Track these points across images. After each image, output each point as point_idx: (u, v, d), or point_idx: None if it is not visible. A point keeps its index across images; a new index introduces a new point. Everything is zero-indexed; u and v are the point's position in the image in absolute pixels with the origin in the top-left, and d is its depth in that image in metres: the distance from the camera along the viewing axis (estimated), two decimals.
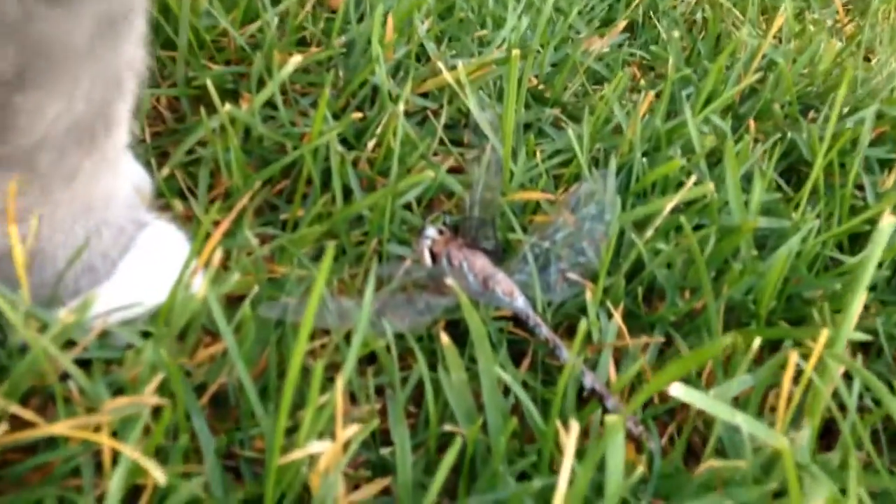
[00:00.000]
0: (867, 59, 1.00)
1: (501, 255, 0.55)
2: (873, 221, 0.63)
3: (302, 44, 0.73)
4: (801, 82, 0.80)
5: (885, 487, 0.42)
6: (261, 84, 0.65)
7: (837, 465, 0.46)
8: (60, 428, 0.36)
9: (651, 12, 0.94)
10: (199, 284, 0.45)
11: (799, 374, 0.47)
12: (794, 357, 0.43)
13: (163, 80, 0.67)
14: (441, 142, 0.68)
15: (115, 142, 0.44)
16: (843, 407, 0.50)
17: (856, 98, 0.78)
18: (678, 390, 0.41)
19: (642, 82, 0.84)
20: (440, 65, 0.68)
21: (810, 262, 0.61)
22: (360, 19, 0.75)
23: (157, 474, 0.34)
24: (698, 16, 0.97)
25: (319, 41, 0.72)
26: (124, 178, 0.48)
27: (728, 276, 0.57)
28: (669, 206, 0.57)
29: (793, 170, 0.71)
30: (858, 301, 0.46)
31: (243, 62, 0.69)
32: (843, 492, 0.44)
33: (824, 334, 0.43)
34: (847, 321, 0.46)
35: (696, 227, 0.63)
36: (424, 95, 0.72)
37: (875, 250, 0.46)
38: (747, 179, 0.69)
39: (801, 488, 0.38)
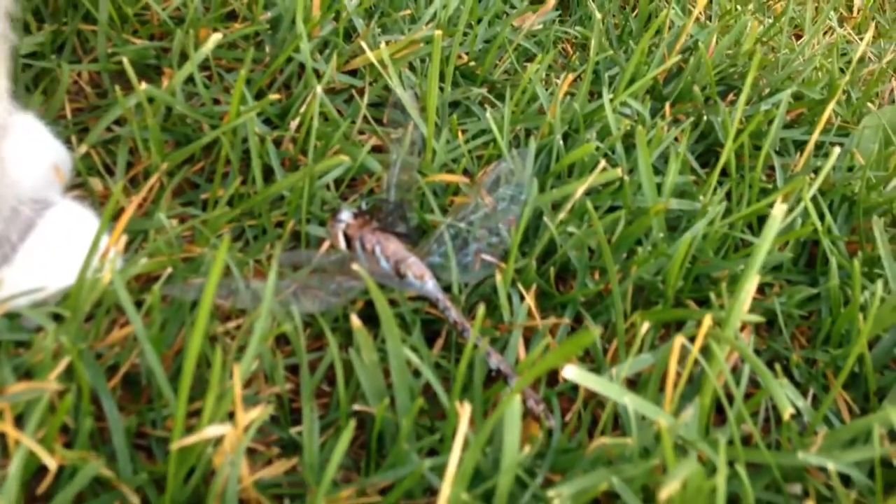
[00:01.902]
0: (798, 37, 1.02)
1: (417, 237, 0.57)
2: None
3: (229, 18, 0.73)
4: (724, 63, 0.82)
5: (764, 461, 0.45)
6: (183, 60, 0.65)
7: (727, 441, 0.48)
8: None
9: None
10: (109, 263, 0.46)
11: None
12: (679, 340, 0.45)
13: (84, 55, 0.66)
14: (366, 120, 0.68)
15: None
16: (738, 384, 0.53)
17: (777, 79, 0.80)
18: (570, 372, 0.43)
19: (575, 60, 0.86)
20: (363, 44, 0.68)
21: (718, 243, 0.63)
22: None
23: (47, 459, 0.35)
24: None
25: (245, 17, 0.72)
26: (13, 158, 0.48)
27: (638, 256, 0.59)
28: (581, 189, 0.58)
29: (710, 152, 0.73)
30: (750, 285, 0.48)
31: (167, 37, 0.68)
32: (731, 464, 0.47)
33: (707, 320, 0.46)
34: (738, 304, 0.48)
35: (612, 209, 0.64)
36: (352, 73, 0.73)
37: (767, 237, 0.48)
38: (665, 161, 0.71)
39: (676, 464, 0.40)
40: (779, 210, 0.48)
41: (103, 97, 0.65)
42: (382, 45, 0.68)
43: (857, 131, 0.74)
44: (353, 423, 0.40)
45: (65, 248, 0.47)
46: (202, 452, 0.41)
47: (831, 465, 0.43)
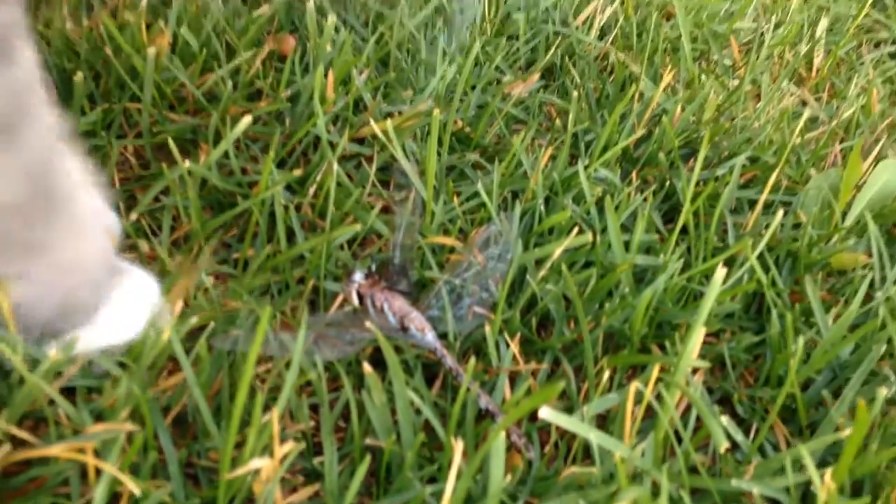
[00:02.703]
0: (759, 97, 1.11)
1: (417, 292, 0.65)
2: (731, 260, 0.74)
3: (254, 97, 0.82)
4: (688, 129, 0.91)
5: (707, 487, 0.54)
6: (217, 136, 0.74)
7: (678, 470, 0.57)
8: (55, 450, 0.45)
9: (568, 56, 1.04)
10: (166, 321, 0.55)
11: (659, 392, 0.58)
12: (634, 385, 0.54)
13: (129, 130, 0.75)
14: (374, 184, 0.77)
15: (72, 213, 0.52)
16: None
17: (735, 143, 0.89)
18: (545, 413, 0.52)
19: (557, 123, 0.95)
20: (371, 119, 0.77)
21: (678, 294, 0.72)
22: (306, 70, 0.84)
23: (133, 487, 0.43)
24: (611, 59, 1.07)
25: (268, 94, 0.81)
26: (94, 238, 0.56)
27: (607, 308, 0.68)
28: (559, 250, 0.67)
29: (675, 210, 0.82)
30: (697, 337, 0.57)
31: (201, 112, 0.77)
32: (695, 492, 0.56)
33: (656, 369, 0.54)
34: (686, 353, 0.57)
35: (587, 264, 0.73)
36: (360, 141, 0.82)
37: (709, 296, 0.57)
38: (634, 219, 0.79)
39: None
40: (719, 274, 0.57)
41: (146, 168, 0.74)
42: (388, 120, 0.77)
43: (802, 192, 0.84)
44: (368, 458, 0.49)
45: (137, 311, 0.56)
46: (244, 481, 0.49)
47: (756, 490, 0.51)
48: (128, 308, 0.56)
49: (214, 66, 0.79)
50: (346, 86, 0.82)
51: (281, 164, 0.76)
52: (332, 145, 0.77)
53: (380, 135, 0.77)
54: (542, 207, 0.74)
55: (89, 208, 0.55)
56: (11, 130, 0.46)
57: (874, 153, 0.94)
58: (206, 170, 0.68)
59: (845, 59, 1.25)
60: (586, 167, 0.78)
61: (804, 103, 1.09)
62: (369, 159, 0.79)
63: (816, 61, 1.20)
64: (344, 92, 0.82)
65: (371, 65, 0.88)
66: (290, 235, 0.70)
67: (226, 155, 0.73)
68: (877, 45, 1.34)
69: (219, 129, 0.74)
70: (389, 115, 0.82)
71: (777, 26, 1.21)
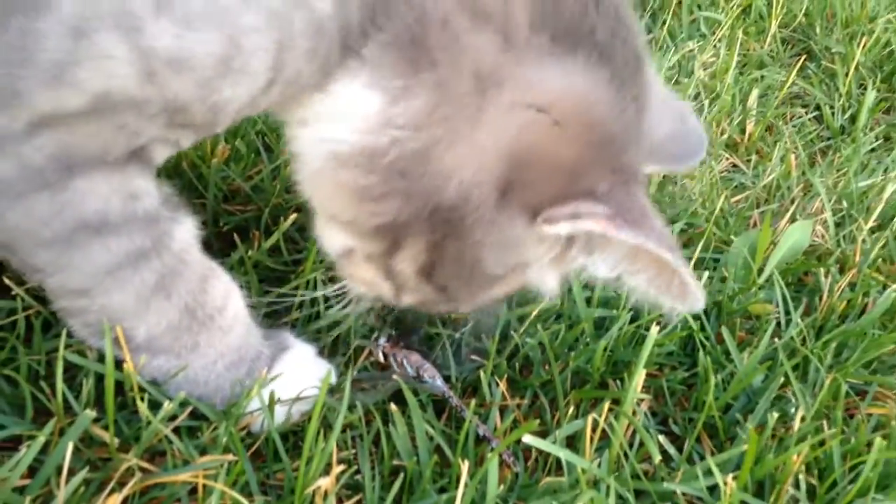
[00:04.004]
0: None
1: (426, 344, 0.83)
2: None
3: (291, 188, 0.99)
4: None
5: (646, 489, 0.71)
6: (267, 223, 0.91)
7: (626, 477, 0.74)
8: (182, 476, 0.62)
9: None
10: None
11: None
12: (591, 417, 0.71)
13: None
14: None
15: (222, 319, 0.67)
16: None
17: (673, 213, 1.07)
18: (527, 438, 0.69)
19: None
20: None
21: (630, 338, 0.89)
22: None
23: (242, 499, 0.60)
24: None
25: None
26: (249, 329, 0.69)
27: (575, 353, 0.85)
28: (536, 310, 0.85)
29: None
30: (638, 377, 0.74)
31: (251, 203, 0.94)
32: (639, 493, 0.72)
33: (606, 403, 0.71)
34: (631, 388, 0.74)
35: (557, 318, 0.90)
36: None
37: (646, 348, 0.74)
38: None
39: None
40: (653, 331, 0.75)
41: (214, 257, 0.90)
42: None
43: (727, 251, 1.01)
44: (400, 475, 0.66)
45: (298, 382, 0.70)
46: (309, 495, 0.66)
47: (680, 490, 0.68)
48: (288, 382, 0.70)
49: (260, 164, 0.96)
50: None
51: None
52: None
53: None
54: None
55: (235, 310, 0.69)
56: (168, 286, 0.62)
57: (789, 213, 1.12)
58: (260, 255, 0.85)
59: (774, 123, 1.44)
60: None
61: (735, 166, 1.27)
62: None
63: (749, 127, 1.38)
64: None
65: None
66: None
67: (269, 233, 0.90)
68: (803, 108, 1.53)
69: (268, 223, 0.90)
70: None
71: (715, 99, 1.40)
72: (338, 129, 0.59)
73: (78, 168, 0.55)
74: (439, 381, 0.77)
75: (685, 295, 0.59)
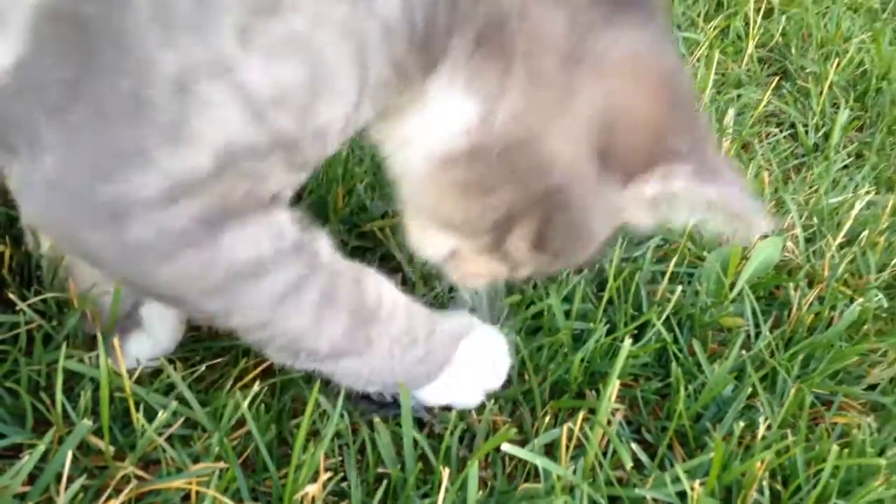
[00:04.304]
0: None
1: None
2: (646, 322, 0.95)
3: None
4: None
5: (619, 494, 0.74)
6: None
7: (600, 483, 0.77)
8: (177, 483, 0.65)
9: None
10: None
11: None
12: (567, 426, 0.74)
13: None
14: None
15: (382, 310, 0.69)
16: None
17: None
18: (506, 447, 0.72)
19: None
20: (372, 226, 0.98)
21: (606, 350, 0.92)
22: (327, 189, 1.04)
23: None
24: None
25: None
26: (411, 312, 0.72)
27: (554, 364, 0.88)
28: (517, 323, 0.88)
29: (607, 283, 1.03)
30: (612, 389, 0.77)
31: None
32: (613, 499, 0.75)
33: (582, 413, 0.75)
34: (604, 398, 0.77)
35: (537, 330, 0.93)
36: (362, 235, 1.02)
37: (619, 360, 0.77)
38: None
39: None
40: (626, 343, 0.78)
41: None
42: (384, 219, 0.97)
43: (701, 266, 1.05)
44: (384, 482, 0.69)
45: (477, 375, 0.77)
46: (297, 501, 0.69)
47: (650, 496, 0.72)
48: (468, 372, 0.75)
49: None
50: (351, 195, 1.02)
51: None
52: (345, 242, 0.97)
53: (378, 232, 0.97)
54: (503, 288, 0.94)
55: (392, 298, 0.71)
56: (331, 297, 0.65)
57: None
58: None
59: (750, 141, 1.48)
60: None
61: None
62: (371, 251, 0.99)
63: (725, 145, 1.42)
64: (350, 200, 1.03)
65: (369, 174, 1.08)
66: None
67: None
68: (778, 126, 1.57)
69: None
70: (386, 214, 1.03)
71: None
72: (443, 138, 0.63)
73: (221, 225, 0.57)
74: (415, 404, 0.79)
75: (752, 227, 0.64)
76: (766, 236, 1.07)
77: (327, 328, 0.66)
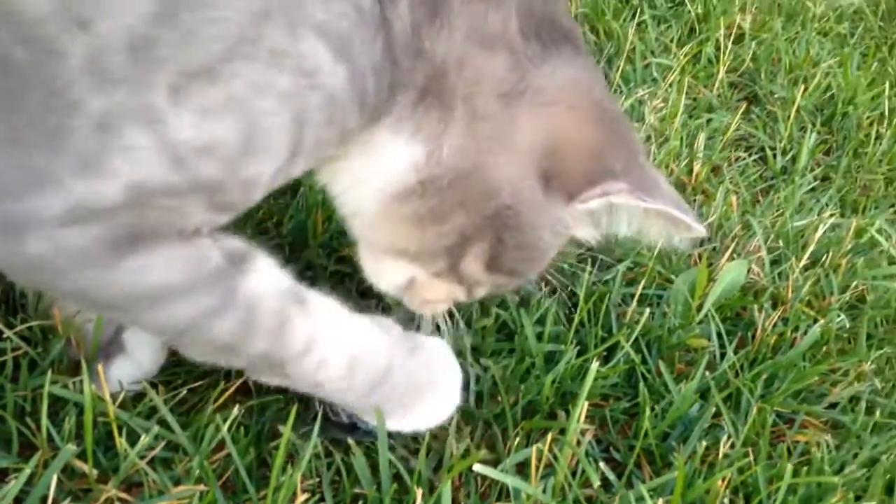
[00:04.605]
0: None
1: None
2: (615, 344, 0.98)
3: (262, 232, 1.05)
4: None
5: None
6: None
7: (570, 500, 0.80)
8: None
9: None
10: None
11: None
12: (536, 447, 0.77)
13: None
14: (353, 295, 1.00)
15: (307, 361, 0.68)
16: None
17: (621, 252, 1.14)
18: (477, 467, 0.75)
19: None
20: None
21: (576, 372, 0.95)
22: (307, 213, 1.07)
23: None
24: None
25: (270, 229, 1.04)
26: (354, 363, 0.70)
27: (525, 385, 0.91)
28: (490, 347, 0.91)
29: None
30: (580, 410, 0.80)
31: None
32: None
33: (551, 434, 0.77)
34: (573, 419, 0.80)
35: (510, 352, 0.96)
36: (341, 259, 1.04)
37: (587, 383, 0.80)
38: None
39: None
40: (593, 366, 0.81)
41: None
42: None
43: (670, 288, 1.08)
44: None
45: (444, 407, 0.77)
46: None
47: None
48: (435, 404, 0.77)
49: None
50: (330, 220, 1.05)
51: None
52: (324, 267, 1.00)
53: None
54: (477, 311, 0.97)
55: (324, 352, 0.69)
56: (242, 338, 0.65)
57: (729, 251, 1.20)
58: None
59: (720, 164, 1.52)
60: None
61: None
62: (350, 275, 1.02)
63: (696, 168, 1.46)
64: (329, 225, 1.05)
65: None
66: None
67: None
68: (747, 150, 1.61)
69: None
70: None
71: (664, 143, 1.48)
72: (392, 177, 0.67)
73: (128, 248, 0.57)
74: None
75: (690, 232, 0.70)
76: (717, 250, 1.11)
77: (236, 360, 0.67)
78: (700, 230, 0.69)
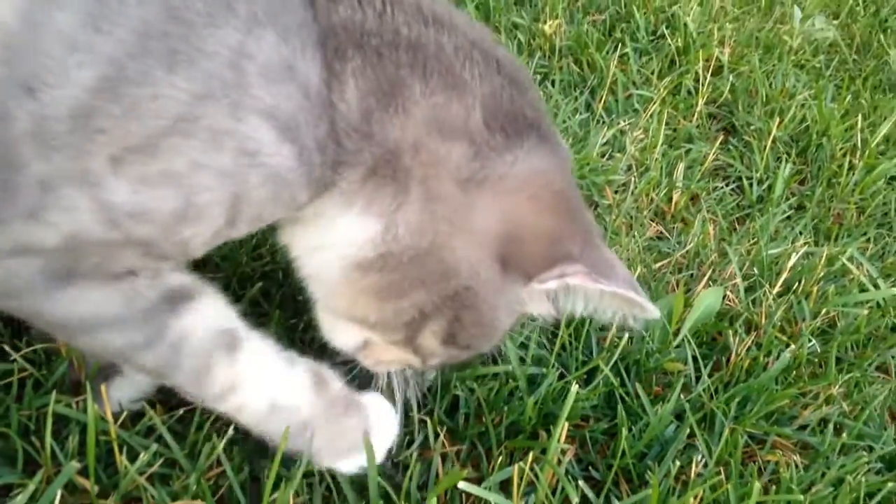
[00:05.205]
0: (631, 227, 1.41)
1: None
2: (595, 369, 1.02)
3: (258, 257, 1.08)
4: None
5: None
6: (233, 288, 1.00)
7: None
8: None
9: None
10: None
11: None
12: (517, 466, 0.81)
13: None
14: None
15: (225, 404, 0.72)
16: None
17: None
18: (462, 485, 0.78)
19: None
20: None
21: (558, 394, 0.99)
22: None
23: None
24: None
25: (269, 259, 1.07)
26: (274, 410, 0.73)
27: (508, 407, 0.94)
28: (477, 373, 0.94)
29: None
30: (561, 430, 0.84)
31: (220, 271, 1.03)
32: None
33: (531, 453, 0.81)
34: (553, 440, 0.84)
35: (495, 376, 1.00)
36: None
37: (566, 407, 0.84)
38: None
39: None
40: (573, 388, 0.85)
41: None
42: None
43: None
44: None
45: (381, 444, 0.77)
46: None
47: None
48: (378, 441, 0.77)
49: None
50: None
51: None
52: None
53: None
54: None
55: (244, 397, 0.72)
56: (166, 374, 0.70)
57: (706, 278, 1.24)
58: None
59: (698, 193, 1.57)
60: None
61: (659, 237, 1.39)
62: None
63: (675, 197, 1.51)
64: None
65: None
66: None
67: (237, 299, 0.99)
68: (724, 180, 1.67)
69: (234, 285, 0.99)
70: None
71: (644, 172, 1.53)
72: (350, 248, 0.70)
73: (66, 281, 0.63)
74: None
75: (644, 312, 0.72)
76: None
77: (167, 382, 0.72)
78: (654, 312, 0.72)
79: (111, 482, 0.75)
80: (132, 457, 0.75)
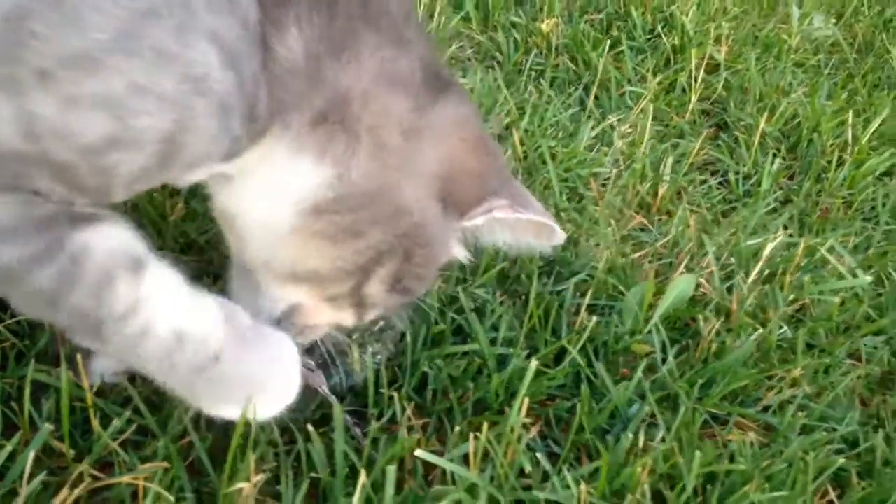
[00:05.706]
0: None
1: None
2: (562, 351, 1.04)
3: None
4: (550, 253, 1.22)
5: (521, 498, 0.83)
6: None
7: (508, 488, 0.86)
8: (125, 479, 0.74)
9: None
10: None
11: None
12: (472, 438, 0.84)
13: None
14: None
15: (126, 327, 0.66)
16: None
17: (578, 265, 1.21)
18: (418, 453, 0.81)
19: None
20: None
21: (523, 373, 1.01)
22: None
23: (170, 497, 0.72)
24: None
25: None
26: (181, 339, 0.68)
27: (476, 384, 0.97)
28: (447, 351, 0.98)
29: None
30: (521, 406, 0.87)
31: (205, 254, 1.07)
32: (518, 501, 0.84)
33: (487, 427, 0.84)
34: (512, 415, 0.87)
35: (465, 353, 1.03)
36: None
37: (524, 383, 0.87)
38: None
39: None
40: (532, 364, 0.88)
41: None
42: None
43: (622, 299, 1.15)
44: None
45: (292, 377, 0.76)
46: (234, 498, 0.77)
47: (543, 496, 0.81)
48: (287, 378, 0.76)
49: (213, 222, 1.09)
50: None
51: None
52: None
53: None
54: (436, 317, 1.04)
55: (147, 318, 0.67)
56: (62, 291, 0.63)
57: (682, 266, 1.26)
58: None
59: (686, 187, 1.59)
60: (464, 288, 1.08)
61: (643, 229, 1.42)
62: None
63: (661, 190, 1.53)
64: None
65: None
66: None
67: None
68: (712, 174, 1.68)
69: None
70: None
71: (630, 165, 1.55)
72: (306, 195, 0.72)
73: None
74: (325, 388, 0.88)
75: (553, 237, 0.83)
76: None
77: (58, 315, 0.65)
78: (562, 236, 0.82)
79: (86, 445, 0.79)
80: (106, 423, 0.79)
